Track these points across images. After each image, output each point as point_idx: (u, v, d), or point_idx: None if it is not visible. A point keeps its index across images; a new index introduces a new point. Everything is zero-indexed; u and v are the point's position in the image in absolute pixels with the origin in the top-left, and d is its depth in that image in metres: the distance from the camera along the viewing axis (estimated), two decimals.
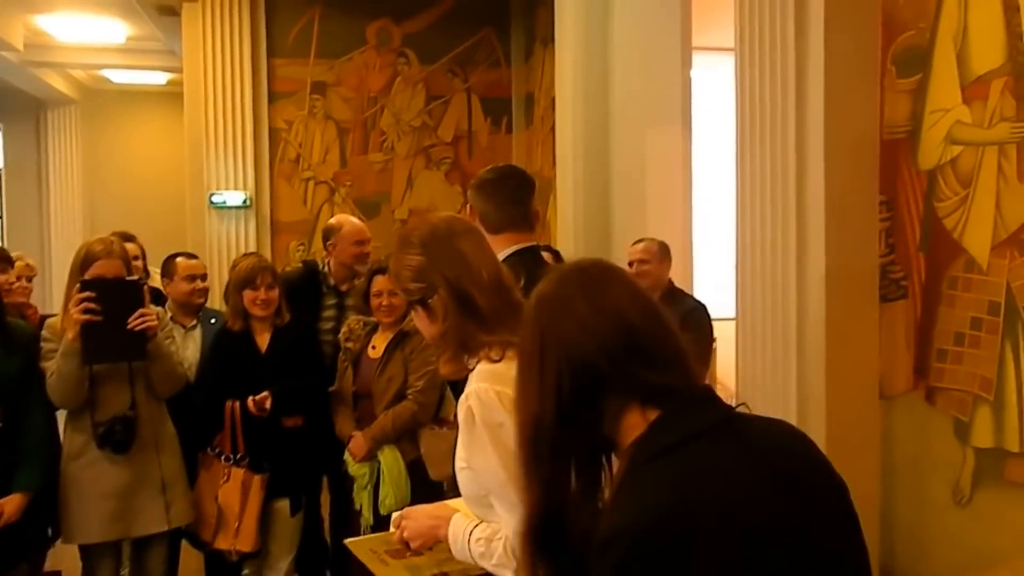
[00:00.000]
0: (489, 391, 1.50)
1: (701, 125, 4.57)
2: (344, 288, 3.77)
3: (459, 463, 1.57)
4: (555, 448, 1.07)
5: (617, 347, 1.06)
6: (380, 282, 3.25)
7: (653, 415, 1.04)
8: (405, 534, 1.63)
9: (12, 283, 3.72)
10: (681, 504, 0.94)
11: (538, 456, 1.08)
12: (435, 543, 1.64)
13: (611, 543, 0.95)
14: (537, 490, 1.09)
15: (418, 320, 1.67)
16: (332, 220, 4.05)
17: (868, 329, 2.52)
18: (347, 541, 1.81)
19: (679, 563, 0.91)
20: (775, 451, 1.03)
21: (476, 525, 1.56)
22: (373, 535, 1.65)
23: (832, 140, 2.42)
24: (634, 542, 0.93)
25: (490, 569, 1.54)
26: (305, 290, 3.73)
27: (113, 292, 2.76)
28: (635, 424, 1.05)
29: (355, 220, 3.97)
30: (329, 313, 3.75)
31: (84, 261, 2.79)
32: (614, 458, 1.10)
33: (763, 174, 2.62)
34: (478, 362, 1.57)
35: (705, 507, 0.94)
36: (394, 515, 1.72)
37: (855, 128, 2.46)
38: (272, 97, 6.41)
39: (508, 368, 1.54)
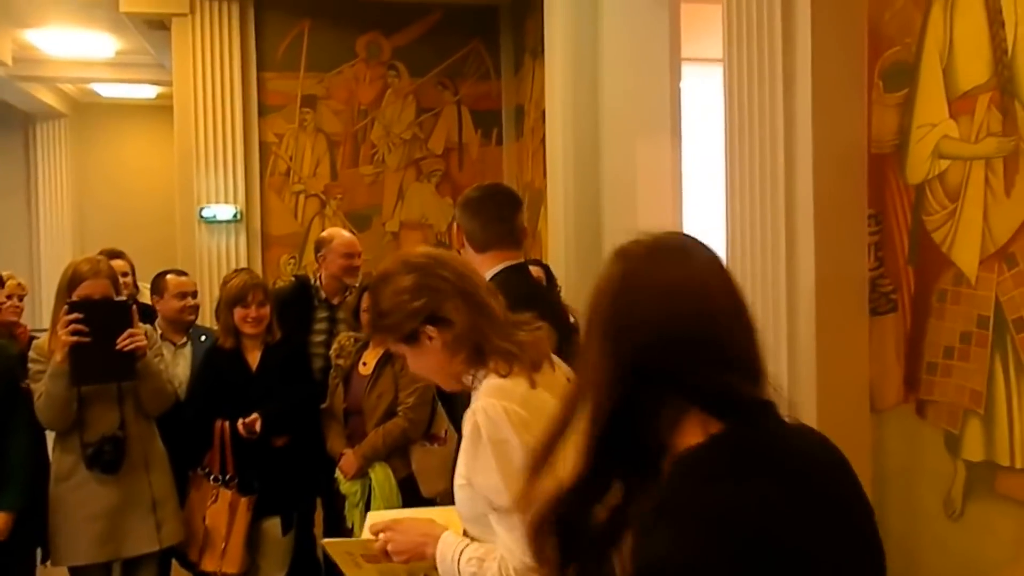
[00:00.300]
0: (497, 407, 1.48)
1: (691, 135, 4.58)
2: (335, 301, 3.76)
3: (459, 479, 1.54)
4: (603, 448, 0.98)
5: (692, 341, 0.97)
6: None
7: (714, 427, 0.97)
8: (390, 547, 1.60)
9: (3, 302, 3.71)
10: (738, 547, 0.89)
11: (585, 453, 0.99)
12: (420, 560, 1.61)
13: (661, 571, 0.89)
14: (574, 491, 1.01)
15: (419, 356, 1.61)
16: (324, 233, 4.06)
17: (858, 342, 2.52)
18: (325, 541, 1.78)
19: None
20: (828, 490, 1.00)
21: (467, 545, 1.53)
22: (355, 539, 1.62)
23: (820, 153, 2.43)
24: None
25: None
26: (297, 304, 3.73)
27: (101, 313, 2.75)
28: (693, 432, 0.97)
29: (346, 233, 3.98)
30: (321, 327, 3.74)
31: (71, 281, 2.78)
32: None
33: (752, 186, 2.63)
34: (485, 376, 1.56)
35: (761, 555, 0.89)
36: (374, 522, 1.68)
37: (843, 141, 2.47)
38: (262, 110, 6.41)
39: (516, 385, 1.54)
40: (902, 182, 2.37)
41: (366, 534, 1.65)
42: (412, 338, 1.59)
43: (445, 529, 1.60)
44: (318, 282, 3.82)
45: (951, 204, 2.20)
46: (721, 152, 2.86)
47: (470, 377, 1.60)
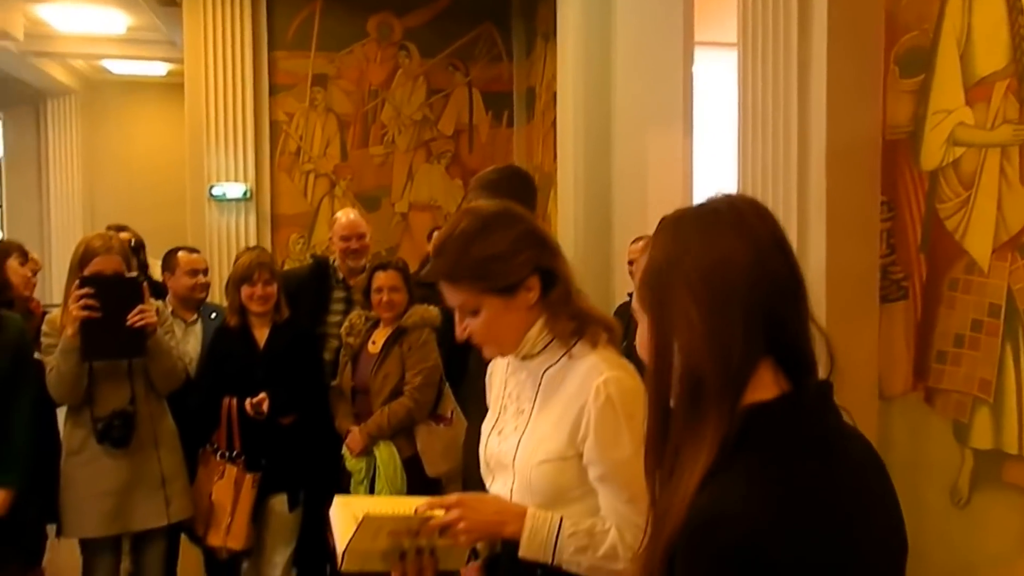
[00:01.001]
0: (626, 381, 1.46)
1: (703, 121, 4.56)
2: (352, 282, 3.76)
3: (552, 455, 1.48)
4: (689, 402, 0.95)
5: (785, 291, 0.96)
6: (380, 278, 3.25)
7: (784, 384, 0.96)
8: (463, 524, 1.46)
9: (28, 276, 3.74)
10: (809, 512, 0.89)
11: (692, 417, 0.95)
12: (491, 538, 1.53)
13: (723, 525, 0.87)
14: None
15: (503, 311, 1.50)
16: (335, 215, 4.05)
17: (868, 330, 2.52)
18: (339, 497, 1.69)
19: (787, 573, 0.86)
20: (878, 479, 1.01)
21: (562, 519, 1.46)
22: (390, 515, 1.52)
23: (834, 139, 2.41)
24: (753, 535, 0.86)
25: (586, 562, 1.45)
26: (314, 285, 3.73)
27: (112, 289, 2.76)
28: (765, 384, 0.96)
29: (350, 215, 3.91)
30: (338, 307, 3.74)
31: (83, 257, 2.80)
32: None
33: (764, 171, 2.62)
34: (574, 343, 1.51)
35: (827, 528, 0.90)
36: (433, 499, 1.55)
37: (857, 128, 2.45)
38: (273, 89, 6.39)
39: (620, 358, 1.52)
40: (916, 169, 2.36)
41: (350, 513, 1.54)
42: (511, 289, 1.50)
43: (520, 506, 1.50)
44: (336, 262, 3.83)
45: (965, 192, 2.19)
46: (733, 136, 2.85)
47: (543, 343, 1.53)
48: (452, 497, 1.52)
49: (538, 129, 6.25)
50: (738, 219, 0.99)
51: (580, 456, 1.47)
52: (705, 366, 0.94)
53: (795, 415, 0.96)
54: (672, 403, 0.99)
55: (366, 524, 1.43)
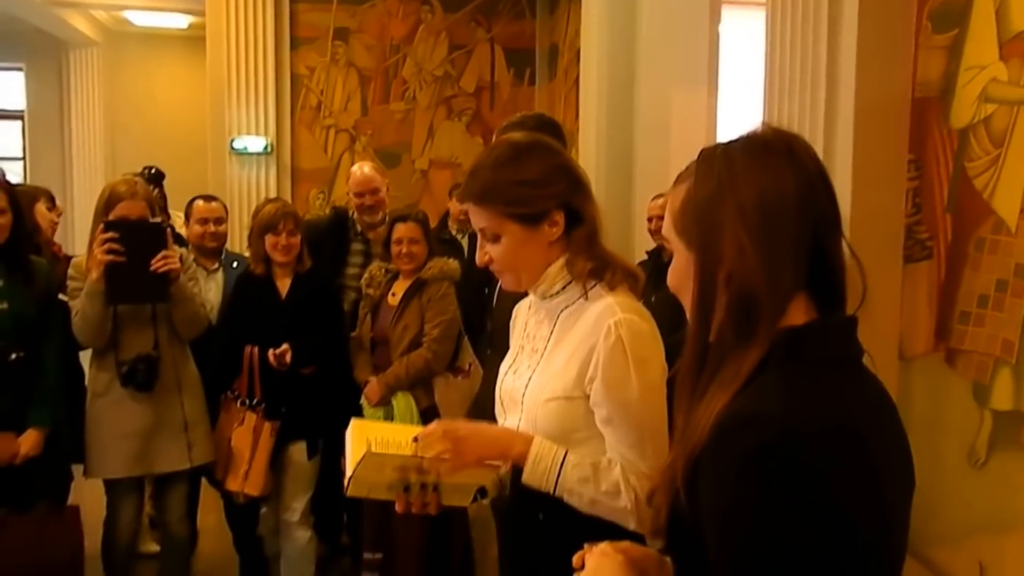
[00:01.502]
0: (641, 324, 1.46)
1: (728, 80, 4.50)
2: (371, 236, 3.76)
3: (558, 393, 1.49)
4: (734, 321, 0.97)
5: (829, 223, 0.99)
6: (400, 230, 3.26)
7: (812, 311, 0.99)
8: (468, 458, 1.47)
9: (56, 221, 3.78)
10: (836, 420, 0.91)
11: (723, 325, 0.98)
12: (498, 459, 1.52)
13: (754, 424, 0.89)
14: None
15: (525, 241, 1.51)
16: (351, 169, 4.03)
17: (891, 290, 2.50)
18: (355, 420, 1.67)
19: (811, 477, 0.87)
20: (896, 419, 1.03)
21: (567, 451, 1.47)
22: (391, 454, 1.54)
23: (863, 97, 2.38)
24: (784, 435, 0.88)
25: (588, 495, 1.46)
26: (333, 237, 3.74)
27: (136, 234, 2.78)
28: (798, 313, 0.98)
29: (365, 169, 3.85)
30: (356, 260, 3.76)
31: (108, 202, 2.82)
32: None
33: (789, 129, 2.59)
34: (592, 285, 1.51)
35: (852, 437, 0.92)
36: (424, 429, 1.52)
37: (887, 85, 2.42)
38: (294, 43, 6.37)
39: (637, 303, 1.52)
40: (945, 127, 2.32)
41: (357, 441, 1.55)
42: (535, 219, 1.51)
43: (528, 433, 1.52)
44: (354, 215, 3.83)
45: (995, 150, 2.16)
46: (759, 94, 2.82)
47: (562, 282, 1.54)
48: (432, 426, 1.50)
49: (560, 87, 6.20)
50: (788, 150, 1.00)
51: (587, 398, 1.47)
52: (758, 292, 0.96)
53: (824, 337, 0.98)
54: (712, 333, 1.00)
55: (368, 460, 1.45)
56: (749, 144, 1.02)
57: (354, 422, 1.62)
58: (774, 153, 1.00)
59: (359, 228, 3.78)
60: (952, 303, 2.34)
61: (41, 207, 3.55)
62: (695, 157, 1.07)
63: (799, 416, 0.89)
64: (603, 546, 1.11)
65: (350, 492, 1.51)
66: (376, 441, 1.51)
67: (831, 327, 1.00)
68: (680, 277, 1.06)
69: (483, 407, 2.32)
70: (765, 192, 0.97)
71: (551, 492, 1.47)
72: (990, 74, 2.16)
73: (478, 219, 1.54)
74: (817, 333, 0.98)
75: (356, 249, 3.76)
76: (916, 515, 2.51)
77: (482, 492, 1.57)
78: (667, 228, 1.07)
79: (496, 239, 1.53)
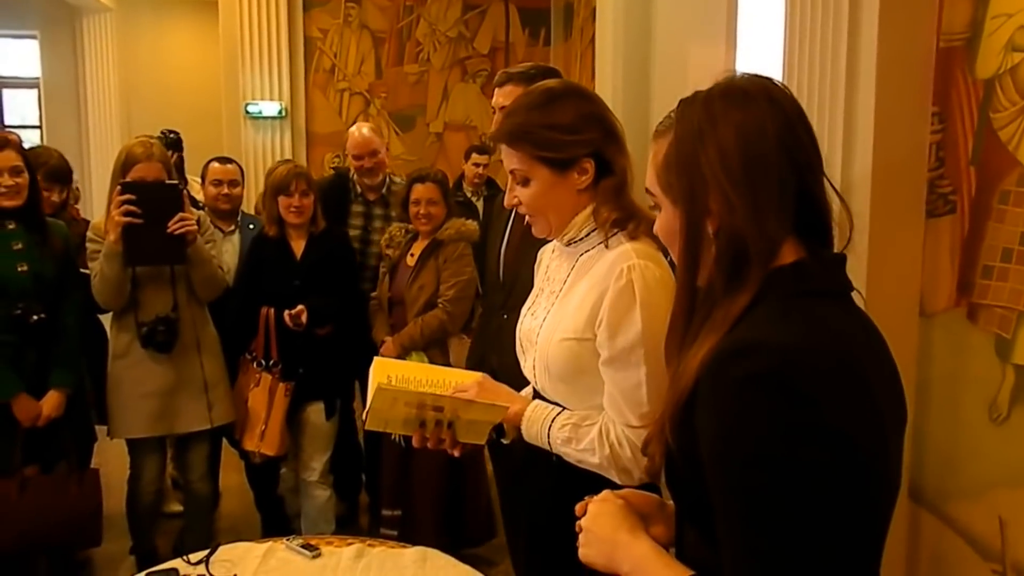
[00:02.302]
0: (655, 271, 1.47)
1: (746, 37, 4.42)
2: (371, 198, 3.76)
3: (566, 334, 1.51)
4: (726, 266, 0.98)
5: (811, 162, 1.00)
6: (419, 190, 3.25)
7: (801, 251, 1.00)
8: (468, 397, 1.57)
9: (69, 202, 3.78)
10: (832, 346, 0.92)
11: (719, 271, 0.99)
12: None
13: (752, 352, 0.90)
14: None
15: (553, 187, 1.52)
16: (348, 131, 3.97)
17: (912, 245, 2.47)
18: (378, 358, 1.77)
19: (811, 400, 0.88)
20: (885, 347, 1.04)
21: (559, 412, 1.53)
22: (411, 390, 1.62)
23: (885, 46, 2.33)
24: (782, 360, 0.89)
25: (572, 454, 1.51)
26: (334, 198, 3.74)
27: (153, 195, 2.79)
28: (786, 254, 0.99)
29: (364, 131, 3.82)
30: (356, 222, 3.76)
31: (125, 164, 2.82)
32: None
33: (811, 82, 2.54)
34: (614, 233, 1.52)
35: (848, 363, 0.93)
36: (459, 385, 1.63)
37: (910, 35, 2.36)
38: (307, 5, 6.32)
39: (656, 252, 1.52)
40: (971, 77, 2.27)
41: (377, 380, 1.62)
42: (564, 165, 1.52)
43: (528, 398, 1.60)
44: (354, 176, 3.81)
45: (1022, 100, 2.11)
46: (779, 49, 2.76)
47: (587, 230, 1.55)
48: (475, 379, 1.61)
49: (576, 47, 6.12)
50: (766, 91, 1.00)
51: (596, 339, 1.49)
52: (747, 239, 0.96)
53: (814, 272, 0.99)
54: (702, 281, 1.01)
55: (380, 394, 1.50)
56: (727, 90, 1.02)
57: (377, 360, 1.67)
58: (752, 97, 0.99)
59: (359, 190, 3.77)
60: (975, 258, 2.30)
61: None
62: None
63: (794, 342, 0.90)
64: (604, 493, 1.14)
65: (368, 425, 1.57)
66: (396, 378, 1.55)
67: (821, 262, 1.01)
68: (667, 230, 1.06)
69: (477, 356, 2.33)
70: (746, 135, 0.97)
71: (549, 450, 1.54)
72: (1017, 22, 2.10)
73: (509, 160, 1.55)
74: (807, 268, 0.99)
75: (356, 211, 3.76)
76: (935, 471, 2.51)
77: (499, 432, 1.60)
78: (650, 181, 1.07)
79: (525, 182, 1.54)
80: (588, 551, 1.10)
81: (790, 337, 0.91)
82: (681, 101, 1.05)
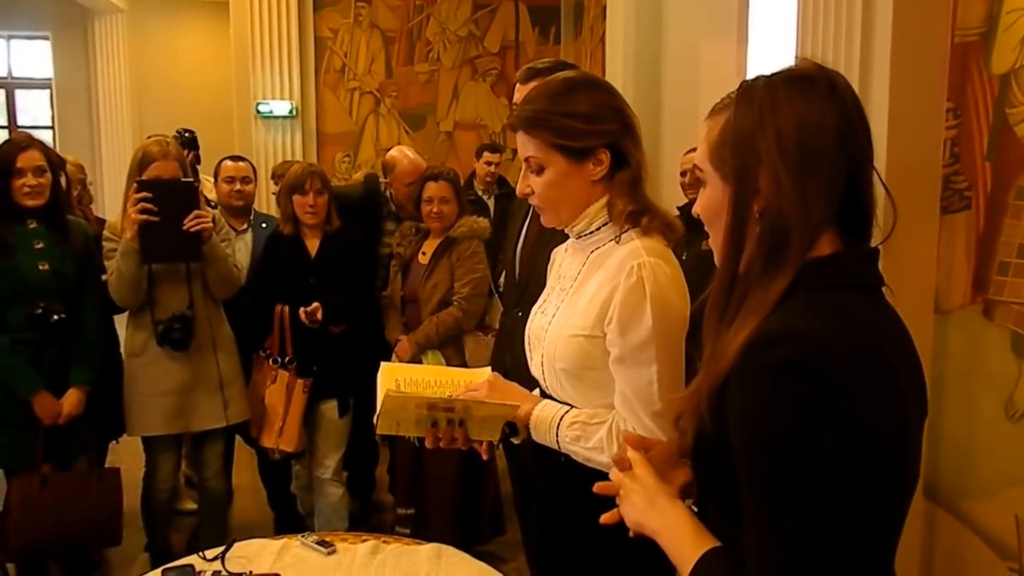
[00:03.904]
0: (663, 267, 1.46)
1: (758, 34, 4.40)
2: (404, 216, 3.71)
3: (574, 331, 1.51)
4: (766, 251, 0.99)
5: (864, 158, 1.01)
6: (432, 188, 3.25)
7: (838, 244, 1.01)
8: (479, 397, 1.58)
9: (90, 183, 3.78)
10: (861, 339, 0.93)
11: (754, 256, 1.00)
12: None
13: (783, 341, 0.91)
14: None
15: (567, 176, 1.52)
16: (389, 154, 3.91)
17: (927, 242, 2.46)
18: (385, 364, 1.76)
19: (839, 390, 0.89)
20: (911, 341, 1.05)
21: (567, 411, 1.53)
22: (418, 395, 1.63)
23: (899, 42, 2.32)
24: (813, 349, 0.90)
25: (581, 452, 1.51)
26: (367, 210, 3.71)
27: (169, 193, 2.80)
28: (824, 244, 1.01)
29: (410, 155, 3.81)
30: (389, 240, 3.70)
31: (141, 162, 2.84)
32: None
33: None
34: (626, 229, 1.52)
35: (876, 355, 0.94)
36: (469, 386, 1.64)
37: (925, 30, 2.35)
38: (317, 5, 6.34)
39: (667, 250, 1.52)
40: (986, 73, 2.26)
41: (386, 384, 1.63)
42: (580, 154, 1.51)
43: (538, 397, 1.60)
44: (388, 193, 3.79)
45: None
46: (791, 44, 2.75)
47: (599, 222, 1.55)
48: (485, 378, 1.61)
49: (586, 45, 6.12)
50: (830, 83, 1.01)
51: (606, 337, 1.49)
52: (790, 224, 0.98)
53: (848, 265, 1.01)
54: (742, 264, 1.02)
55: (388, 400, 1.50)
56: (792, 77, 1.02)
57: (384, 365, 1.66)
58: (816, 86, 1.00)
59: (393, 207, 3.75)
60: (991, 254, 2.29)
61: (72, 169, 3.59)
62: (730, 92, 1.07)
63: (824, 333, 0.92)
64: (643, 455, 1.18)
65: (379, 431, 1.57)
66: (404, 381, 1.55)
67: (856, 256, 1.02)
68: (713, 207, 1.07)
69: (498, 355, 2.34)
70: (805, 124, 0.98)
71: (558, 449, 1.54)
72: None
73: (525, 148, 1.54)
74: (842, 261, 1.00)
75: (390, 228, 3.70)
76: (952, 468, 2.50)
77: (512, 430, 1.60)
78: (701, 158, 1.07)
79: (540, 170, 1.53)
80: (626, 506, 1.14)
81: (821, 328, 0.92)
82: (743, 83, 1.05)
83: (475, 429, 1.57)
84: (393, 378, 1.62)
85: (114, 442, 3.31)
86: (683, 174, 3.76)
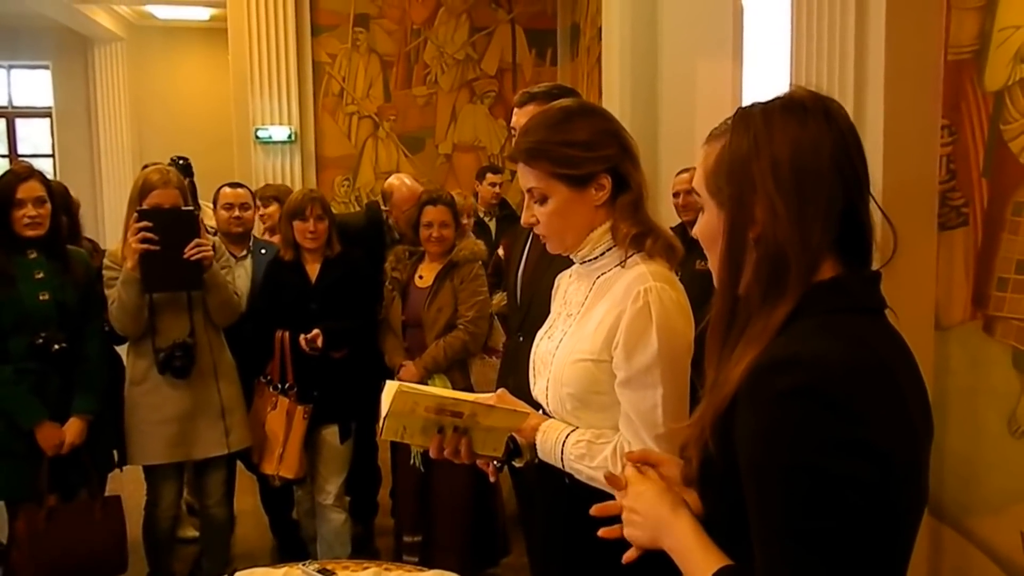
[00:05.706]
0: (669, 292, 1.47)
1: (753, 54, 4.43)
2: (407, 243, 3.72)
3: (579, 355, 1.52)
4: (767, 277, 0.99)
5: (861, 183, 1.01)
6: (431, 213, 3.26)
7: (839, 268, 1.01)
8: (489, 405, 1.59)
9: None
10: (869, 362, 0.93)
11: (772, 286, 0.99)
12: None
13: (791, 367, 0.91)
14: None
15: (570, 203, 1.53)
16: (387, 182, 3.96)
17: (925, 259, 2.46)
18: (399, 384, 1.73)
19: (849, 414, 0.89)
20: (915, 364, 1.06)
21: (573, 430, 1.54)
22: (430, 391, 1.64)
23: (893, 60, 2.34)
24: (822, 374, 0.90)
25: (584, 471, 1.51)
26: (370, 238, 3.73)
27: (169, 222, 2.81)
28: (825, 269, 1.01)
29: (408, 182, 3.86)
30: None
31: (142, 191, 2.85)
32: None
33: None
34: (631, 254, 1.53)
35: (884, 378, 0.94)
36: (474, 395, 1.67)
37: (918, 48, 2.37)
38: (315, 30, 6.38)
39: (672, 274, 1.53)
40: (980, 90, 2.27)
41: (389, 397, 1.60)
42: (582, 181, 1.52)
43: (545, 417, 1.61)
44: (391, 220, 3.81)
45: None
46: (786, 63, 2.77)
47: (603, 247, 1.56)
48: (494, 394, 1.64)
49: (583, 66, 6.16)
50: (825, 110, 1.02)
51: (612, 361, 1.50)
52: (788, 251, 0.98)
53: (851, 289, 1.01)
54: (741, 289, 1.02)
55: (399, 396, 1.50)
56: (787, 104, 1.03)
57: (389, 383, 1.65)
58: (811, 113, 1.01)
59: (396, 235, 3.76)
60: (989, 270, 2.30)
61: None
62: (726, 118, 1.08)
63: (833, 358, 0.92)
64: (644, 469, 1.18)
65: (384, 435, 1.56)
66: (399, 386, 1.56)
67: (858, 279, 1.02)
68: (709, 233, 1.07)
69: (503, 379, 2.34)
70: (801, 151, 0.98)
71: (561, 468, 1.54)
72: None
73: (526, 179, 1.56)
74: (845, 285, 1.00)
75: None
76: (956, 485, 2.49)
77: (516, 453, 1.59)
78: (698, 183, 1.08)
79: (543, 200, 1.55)
80: (632, 531, 1.13)
81: (829, 352, 0.92)
82: (739, 109, 1.06)
83: (480, 441, 1.57)
84: (402, 389, 1.62)
85: (117, 470, 3.30)
86: (676, 195, 3.77)
